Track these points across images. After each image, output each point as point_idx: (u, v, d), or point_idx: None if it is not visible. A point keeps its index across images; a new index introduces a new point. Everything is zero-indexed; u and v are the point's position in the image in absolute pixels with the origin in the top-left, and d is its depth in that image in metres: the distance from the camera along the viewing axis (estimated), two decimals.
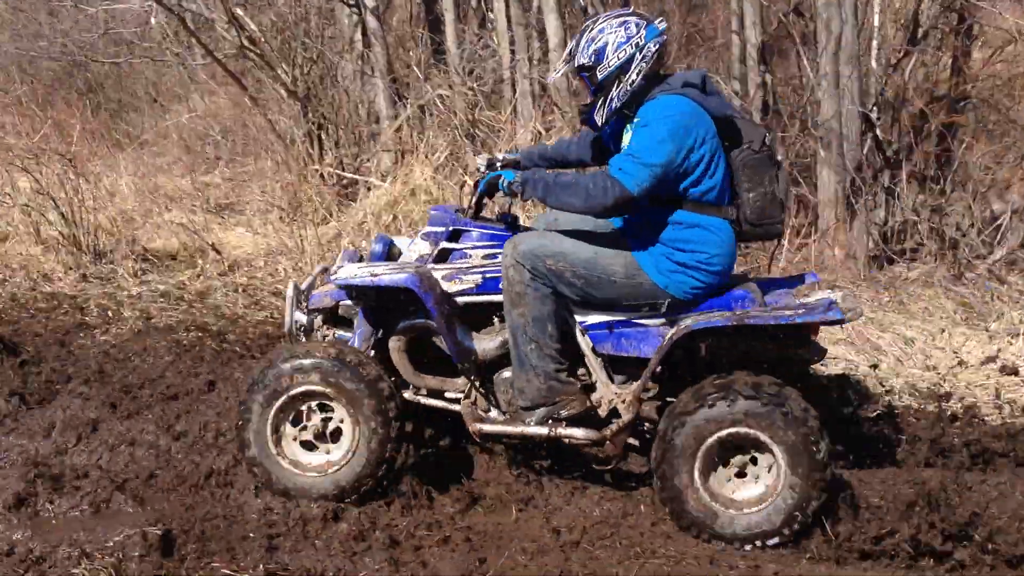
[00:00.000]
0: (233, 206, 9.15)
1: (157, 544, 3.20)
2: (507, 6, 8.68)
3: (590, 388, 3.73)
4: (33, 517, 3.47)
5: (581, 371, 3.76)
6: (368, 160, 8.58)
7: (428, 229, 3.85)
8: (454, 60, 8.82)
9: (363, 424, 3.57)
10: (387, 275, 3.54)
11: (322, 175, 8.31)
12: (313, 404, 3.66)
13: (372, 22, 8.73)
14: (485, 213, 3.95)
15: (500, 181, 3.69)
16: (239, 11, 8.59)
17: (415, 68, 8.65)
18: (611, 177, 3.43)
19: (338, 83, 8.94)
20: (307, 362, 3.57)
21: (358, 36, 9.22)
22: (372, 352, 3.78)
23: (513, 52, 8.66)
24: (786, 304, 3.60)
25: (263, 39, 8.67)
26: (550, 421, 3.62)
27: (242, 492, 3.67)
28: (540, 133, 7.75)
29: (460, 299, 3.74)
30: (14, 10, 13.16)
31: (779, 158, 3.92)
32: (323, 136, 8.63)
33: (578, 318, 3.70)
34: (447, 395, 3.87)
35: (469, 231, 3.81)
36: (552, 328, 3.57)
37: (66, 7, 11.30)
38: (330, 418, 3.67)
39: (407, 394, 3.81)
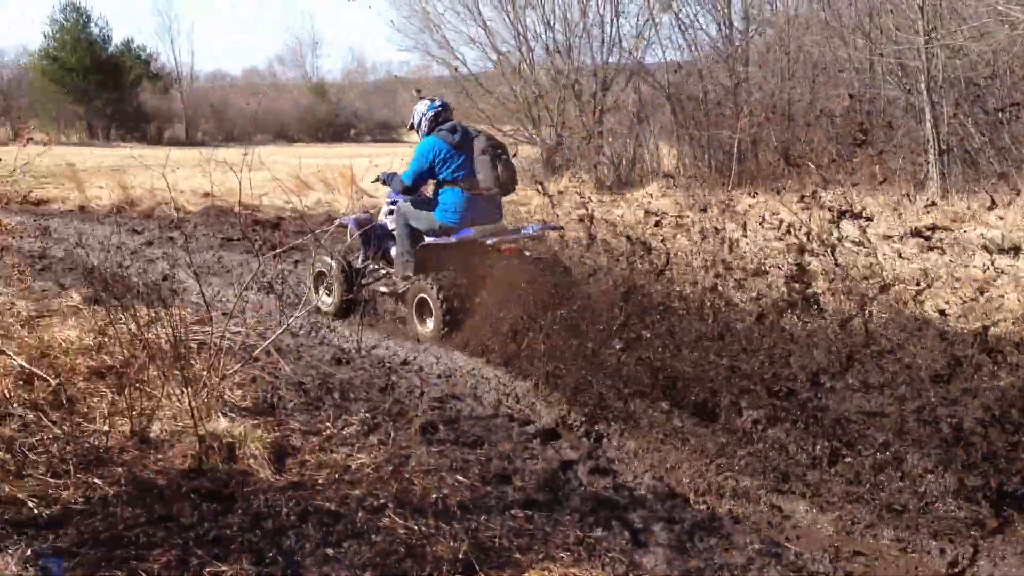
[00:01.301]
0: None
1: None
2: None
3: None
4: None
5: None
6: None
7: (386, 201, 8.53)
8: None
9: (337, 286, 8.32)
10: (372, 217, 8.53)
11: None
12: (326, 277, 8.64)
13: None
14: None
15: (382, 176, 8.26)
16: None
17: None
18: (399, 175, 7.88)
19: None
20: (321, 260, 8.59)
21: None
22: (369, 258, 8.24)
23: None
24: (477, 235, 7.40)
25: None
26: (404, 282, 7.81)
27: None
28: None
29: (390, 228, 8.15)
30: None
31: (505, 156, 7.59)
32: None
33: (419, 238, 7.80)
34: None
35: (396, 201, 8.12)
36: (407, 242, 7.76)
37: None
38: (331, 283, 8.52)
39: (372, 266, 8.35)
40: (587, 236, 6.92)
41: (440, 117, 7.63)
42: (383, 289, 8.15)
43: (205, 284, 9.29)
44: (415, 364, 6.74)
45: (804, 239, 5.55)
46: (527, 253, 7.39)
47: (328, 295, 8.46)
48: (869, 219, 5.63)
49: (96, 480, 4.13)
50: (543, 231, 7.66)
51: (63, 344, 6.21)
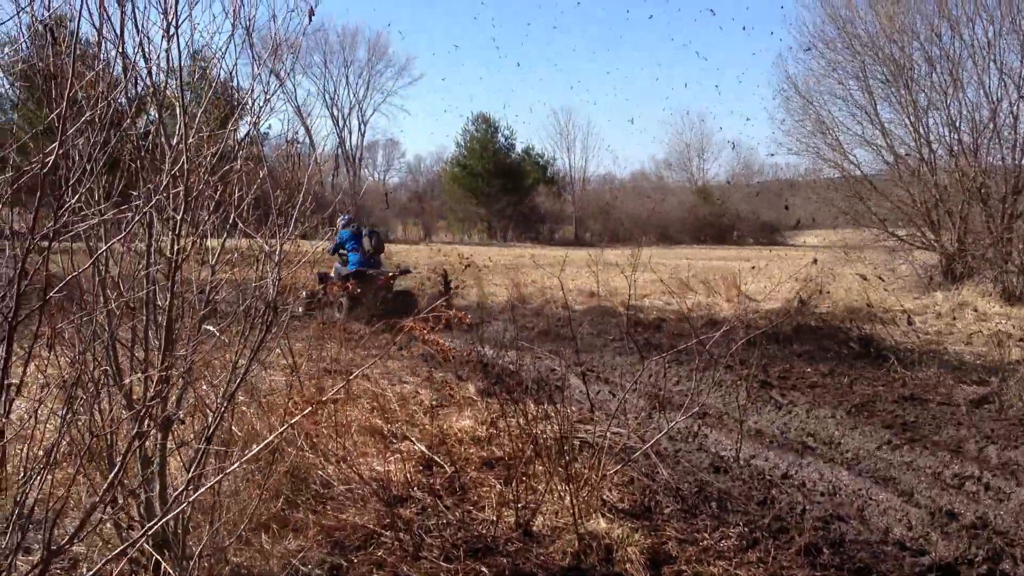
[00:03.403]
0: None
1: None
2: None
3: None
4: None
5: None
6: None
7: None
8: None
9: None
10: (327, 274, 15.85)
11: None
12: None
13: None
14: None
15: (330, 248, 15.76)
16: None
17: None
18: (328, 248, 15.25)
19: None
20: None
21: None
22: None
23: None
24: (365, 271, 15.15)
25: None
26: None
27: None
28: None
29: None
30: None
31: (375, 235, 15.93)
32: None
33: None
34: None
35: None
36: (337, 277, 15.30)
37: None
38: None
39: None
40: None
41: (348, 222, 15.66)
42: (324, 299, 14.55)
43: (589, 383, 9.63)
44: (797, 479, 6.46)
45: None
46: (393, 283, 15.02)
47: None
48: None
49: (483, 568, 4.35)
50: (399, 272, 15.80)
51: (458, 433, 6.68)
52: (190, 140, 3.50)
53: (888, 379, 9.60)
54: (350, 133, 65.24)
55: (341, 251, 15.83)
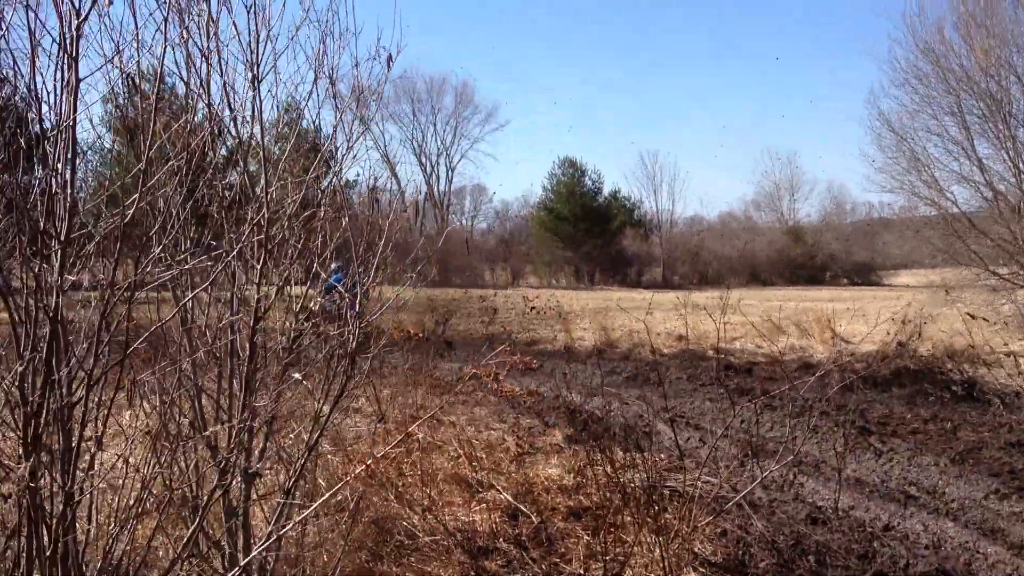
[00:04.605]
0: None
1: None
2: None
3: None
4: None
5: None
6: None
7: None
8: None
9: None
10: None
11: None
12: None
13: None
14: None
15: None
16: None
17: None
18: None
19: None
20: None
21: None
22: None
23: None
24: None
25: None
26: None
27: None
28: None
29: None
30: None
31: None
32: None
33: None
34: None
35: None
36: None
37: None
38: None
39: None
40: None
41: (337, 269, 13.46)
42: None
43: (678, 429, 9.43)
44: (899, 530, 6.17)
45: None
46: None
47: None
48: None
49: None
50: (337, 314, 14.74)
51: (545, 482, 6.55)
52: (271, 189, 3.51)
53: (994, 424, 9.15)
54: (438, 179, 66.13)
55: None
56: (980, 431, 8.85)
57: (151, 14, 3.27)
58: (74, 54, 2.88)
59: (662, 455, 7.19)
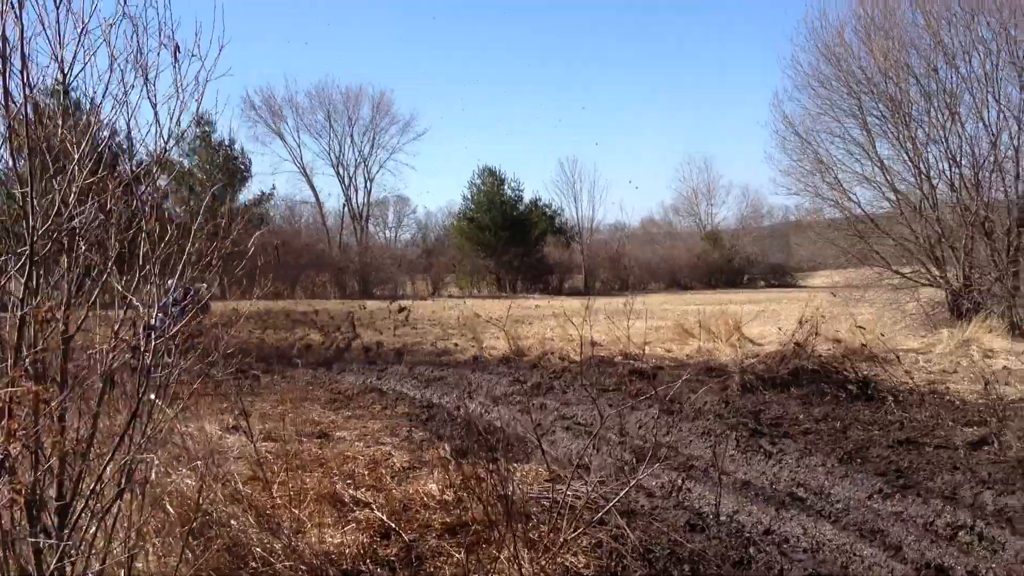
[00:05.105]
0: None
1: None
2: None
3: None
4: None
5: None
6: None
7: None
8: None
9: None
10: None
11: None
12: None
13: None
14: None
15: None
16: None
17: None
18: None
19: None
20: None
21: None
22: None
23: None
24: None
25: None
26: None
27: None
28: None
29: None
30: None
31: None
32: None
33: None
34: None
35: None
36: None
37: None
38: None
39: None
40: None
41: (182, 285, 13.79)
42: None
43: (575, 436, 9.31)
44: (779, 534, 6.10)
45: None
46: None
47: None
48: None
49: None
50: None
51: (424, 498, 6.34)
52: (49, 197, 3.26)
53: (884, 422, 9.19)
54: (356, 191, 65.32)
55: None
56: (870, 429, 8.86)
57: None
58: None
59: (554, 466, 7.03)
